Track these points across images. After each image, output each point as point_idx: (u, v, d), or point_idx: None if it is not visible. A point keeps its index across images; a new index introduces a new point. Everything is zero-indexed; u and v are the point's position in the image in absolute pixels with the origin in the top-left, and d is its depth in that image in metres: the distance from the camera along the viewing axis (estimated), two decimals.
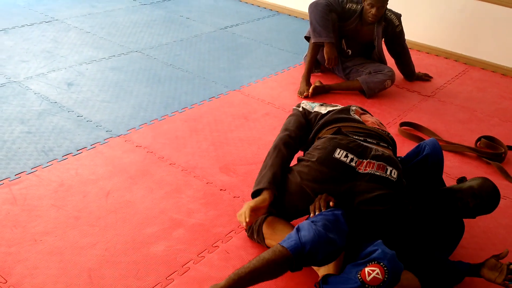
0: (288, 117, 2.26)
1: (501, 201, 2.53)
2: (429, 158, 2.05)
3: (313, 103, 2.28)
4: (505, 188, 2.64)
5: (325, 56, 3.48)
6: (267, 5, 5.44)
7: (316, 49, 3.52)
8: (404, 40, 3.64)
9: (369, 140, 1.95)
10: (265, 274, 1.64)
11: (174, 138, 2.84)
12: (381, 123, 2.19)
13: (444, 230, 2.04)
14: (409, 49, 3.78)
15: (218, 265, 1.99)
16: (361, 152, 1.86)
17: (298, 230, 1.69)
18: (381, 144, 1.97)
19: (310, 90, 3.44)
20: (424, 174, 2.07)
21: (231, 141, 2.87)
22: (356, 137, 1.94)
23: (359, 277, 1.58)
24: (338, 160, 1.84)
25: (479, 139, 3.02)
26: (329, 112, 2.16)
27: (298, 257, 1.62)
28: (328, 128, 2.07)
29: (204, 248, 2.08)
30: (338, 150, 1.86)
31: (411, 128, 3.15)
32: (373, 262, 1.60)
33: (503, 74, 4.15)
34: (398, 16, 3.56)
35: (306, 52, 3.64)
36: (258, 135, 2.95)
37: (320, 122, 2.12)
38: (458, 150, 2.91)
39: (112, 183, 2.42)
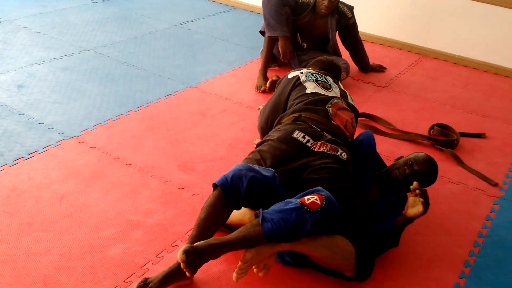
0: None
1: (455, 186, 2.61)
2: (362, 142, 2.21)
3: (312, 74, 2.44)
4: (458, 174, 2.71)
5: (280, 50, 3.49)
6: (222, 0, 5.41)
7: (271, 43, 3.52)
8: (357, 32, 3.69)
9: (325, 133, 2.09)
10: (209, 222, 1.80)
11: (130, 138, 2.79)
12: (352, 125, 2.30)
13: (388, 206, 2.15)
14: (363, 41, 3.83)
15: None
16: (317, 137, 2.03)
17: None
18: (334, 139, 2.07)
19: (267, 84, 3.44)
20: (361, 156, 2.20)
21: (188, 138, 2.84)
22: (315, 126, 2.09)
23: (299, 201, 1.70)
24: (296, 139, 2.01)
25: (432, 127, 3.09)
26: (311, 94, 2.29)
27: (225, 190, 1.77)
28: (293, 114, 2.22)
29: (163, 248, 2.06)
30: (297, 132, 2.04)
31: (367, 119, 3.19)
32: (312, 193, 1.74)
33: (455, 63, 4.26)
34: (351, 8, 3.60)
35: (262, 47, 3.64)
36: (216, 132, 2.93)
37: (295, 104, 2.29)
38: (413, 138, 2.97)
39: (66, 186, 2.36)
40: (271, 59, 3.74)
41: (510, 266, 2.11)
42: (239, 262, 1.69)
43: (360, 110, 3.29)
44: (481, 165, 2.81)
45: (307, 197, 1.72)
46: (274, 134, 2.08)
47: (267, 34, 3.48)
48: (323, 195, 1.73)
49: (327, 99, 2.28)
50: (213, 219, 1.81)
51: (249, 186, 1.77)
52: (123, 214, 2.23)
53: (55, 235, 2.07)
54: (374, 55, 4.17)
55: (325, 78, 2.44)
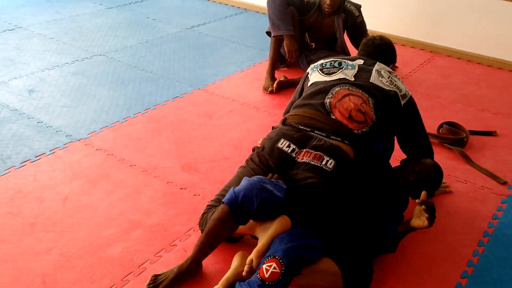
0: None
1: (462, 185, 2.56)
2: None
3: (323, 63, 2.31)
4: (465, 172, 2.66)
5: (285, 48, 3.48)
6: (235, 3, 5.43)
7: (278, 43, 3.52)
8: (365, 30, 3.66)
9: (317, 132, 1.99)
10: (218, 233, 1.81)
11: (136, 140, 2.82)
12: (361, 110, 2.05)
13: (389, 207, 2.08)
14: None
15: (175, 263, 1.95)
16: (304, 142, 1.95)
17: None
18: (332, 137, 1.98)
19: (275, 85, 3.44)
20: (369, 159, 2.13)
21: (193, 139, 2.86)
22: (303, 127, 2.01)
23: (259, 277, 1.66)
24: (281, 149, 1.95)
25: (441, 126, 3.04)
26: (311, 86, 2.21)
27: (234, 208, 1.74)
28: (294, 109, 2.18)
29: (161, 248, 2.07)
30: (282, 140, 1.97)
31: None
32: (268, 258, 1.69)
33: (468, 61, 4.18)
34: (358, 7, 3.57)
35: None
36: (221, 132, 2.94)
37: (296, 101, 2.24)
38: None
39: (70, 187, 2.40)
40: (279, 60, 3.75)
41: None
42: None
43: None
44: (490, 163, 2.75)
45: (265, 266, 1.67)
46: (264, 142, 2.03)
47: (272, 34, 3.48)
48: (280, 260, 1.67)
49: (327, 90, 2.11)
50: (221, 230, 1.82)
51: (259, 207, 1.73)
52: (125, 214, 2.25)
53: (57, 235, 2.11)
54: None
55: (338, 63, 2.24)
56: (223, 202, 1.78)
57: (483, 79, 3.84)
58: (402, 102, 2.14)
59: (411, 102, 2.19)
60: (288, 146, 1.94)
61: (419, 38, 4.38)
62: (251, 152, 2.10)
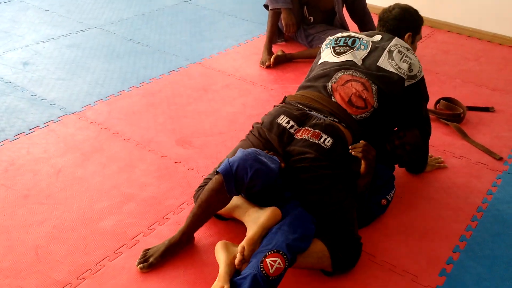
0: None
1: (457, 161, 2.55)
2: None
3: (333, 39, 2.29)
4: (461, 148, 2.65)
5: (282, 22, 3.43)
6: None
7: (275, 16, 3.47)
8: (365, 5, 3.60)
9: (316, 112, 1.99)
10: (211, 204, 1.80)
11: (130, 113, 2.80)
12: (362, 96, 2.02)
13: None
14: (373, 14, 3.74)
15: (168, 236, 1.95)
16: (303, 120, 1.95)
17: None
18: (330, 118, 1.97)
19: (272, 59, 3.40)
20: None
21: (189, 114, 2.84)
22: (302, 106, 2.00)
23: (264, 272, 1.62)
24: (280, 124, 1.95)
25: (438, 101, 3.01)
26: (319, 66, 2.21)
27: (228, 177, 1.73)
28: (298, 90, 2.18)
29: (155, 221, 2.07)
30: (282, 116, 1.97)
31: None
32: (272, 252, 1.65)
33: (469, 36, 4.13)
34: None
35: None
36: (217, 107, 2.92)
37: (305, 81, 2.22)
38: None
39: (64, 160, 2.40)
40: (277, 34, 3.70)
41: (506, 241, 2.06)
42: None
43: None
44: (486, 139, 2.73)
45: (270, 261, 1.63)
46: (264, 117, 2.03)
47: (270, 7, 3.43)
48: (284, 256, 1.64)
49: (330, 74, 2.10)
50: (214, 201, 1.81)
51: (252, 178, 1.72)
52: (118, 187, 2.25)
53: (50, 208, 2.11)
54: None
55: (352, 41, 2.18)
56: (217, 172, 1.78)
57: (482, 55, 3.80)
58: (406, 84, 2.08)
59: (417, 84, 2.11)
60: (288, 122, 1.94)
61: (420, 12, 4.30)
62: (246, 126, 2.10)
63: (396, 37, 2.19)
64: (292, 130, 1.93)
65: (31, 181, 2.25)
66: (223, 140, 2.59)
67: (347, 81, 2.06)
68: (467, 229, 2.11)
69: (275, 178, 1.79)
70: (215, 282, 1.69)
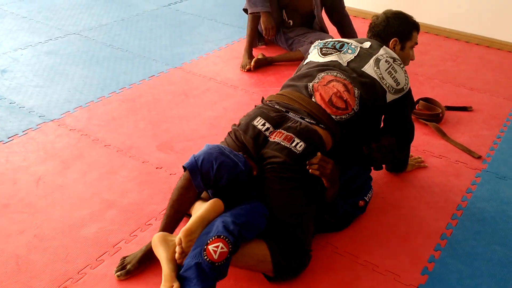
0: None
1: (437, 160, 2.58)
2: None
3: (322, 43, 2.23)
4: (440, 147, 2.68)
5: (262, 26, 3.44)
6: None
7: (255, 20, 3.48)
8: (343, 7, 3.63)
9: (292, 113, 1.96)
10: (182, 202, 1.80)
11: (111, 120, 2.78)
12: (342, 97, 1.99)
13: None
14: (354, 17, 3.77)
15: None
16: (280, 123, 1.92)
17: None
18: (306, 120, 1.94)
19: (252, 63, 3.41)
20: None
21: (169, 119, 2.83)
22: (279, 107, 1.98)
23: (208, 260, 1.56)
24: (255, 127, 1.92)
25: (417, 102, 3.04)
26: (304, 65, 2.19)
27: (193, 171, 1.74)
28: (281, 89, 2.15)
29: (137, 227, 2.06)
30: (258, 118, 1.94)
31: None
32: (213, 238, 1.59)
33: (447, 37, 4.19)
34: None
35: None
36: (197, 111, 2.92)
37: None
38: None
39: (43, 168, 2.37)
40: (257, 38, 3.71)
41: (486, 238, 2.09)
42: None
43: None
44: (465, 138, 2.77)
45: (212, 247, 1.56)
46: (242, 119, 2.00)
47: (249, 11, 3.44)
48: (226, 239, 1.58)
49: (313, 74, 2.06)
50: (184, 199, 1.80)
51: (218, 169, 1.73)
52: (99, 194, 2.23)
53: (30, 216, 2.08)
54: (364, 31, 4.02)
55: (340, 45, 2.16)
56: (184, 168, 1.79)
57: (460, 55, 3.85)
58: (390, 99, 2.05)
59: (404, 97, 2.08)
60: (263, 125, 1.91)
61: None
62: (227, 130, 2.08)
63: (384, 46, 2.16)
64: (267, 133, 1.89)
65: (11, 190, 2.22)
66: (205, 144, 2.58)
67: (330, 81, 2.03)
68: (448, 227, 2.14)
69: (240, 173, 1.77)
70: (162, 283, 1.61)
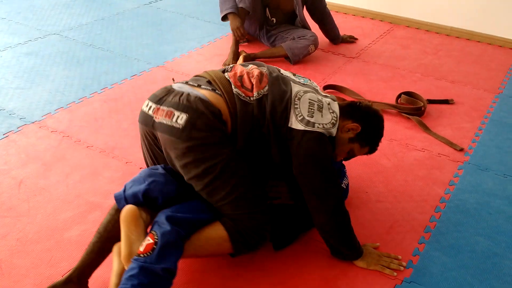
0: None
1: (419, 153, 2.60)
2: None
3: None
4: (423, 141, 2.70)
5: (230, 27, 3.42)
6: None
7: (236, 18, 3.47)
8: (324, 5, 3.64)
9: (190, 83, 1.82)
10: (114, 233, 1.70)
11: (92, 120, 2.76)
12: (251, 79, 1.82)
13: None
14: (335, 12, 3.78)
15: None
16: (162, 98, 1.76)
17: None
18: (203, 86, 1.78)
19: (241, 59, 3.39)
20: None
21: None
22: (181, 83, 1.82)
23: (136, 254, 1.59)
24: (142, 111, 1.81)
25: (399, 96, 3.07)
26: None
27: (119, 199, 1.74)
28: None
29: None
30: (146, 101, 1.81)
31: (334, 90, 3.17)
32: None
33: (427, 30, 4.22)
34: None
35: None
36: None
37: None
38: (380, 108, 2.94)
39: (25, 171, 2.34)
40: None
41: (469, 230, 2.11)
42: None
43: (329, 82, 3.27)
44: (447, 131, 2.80)
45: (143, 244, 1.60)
46: None
47: (221, 14, 3.44)
48: (153, 232, 1.61)
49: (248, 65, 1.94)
50: (118, 231, 1.69)
51: (151, 187, 1.71)
52: (83, 196, 2.21)
53: (12, 220, 2.06)
54: (346, 26, 4.12)
55: (301, 77, 1.98)
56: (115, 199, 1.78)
57: (441, 48, 3.88)
58: (297, 127, 1.76)
59: (309, 134, 1.75)
60: (147, 106, 1.77)
61: (380, 9, 4.38)
62: None
63: (336, 103, 1.93)
64: (151, 113, 1.74)
65: None
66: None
67: (252, 68, 1.89)
68: (431, 220, 2.16)
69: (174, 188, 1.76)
70: None
